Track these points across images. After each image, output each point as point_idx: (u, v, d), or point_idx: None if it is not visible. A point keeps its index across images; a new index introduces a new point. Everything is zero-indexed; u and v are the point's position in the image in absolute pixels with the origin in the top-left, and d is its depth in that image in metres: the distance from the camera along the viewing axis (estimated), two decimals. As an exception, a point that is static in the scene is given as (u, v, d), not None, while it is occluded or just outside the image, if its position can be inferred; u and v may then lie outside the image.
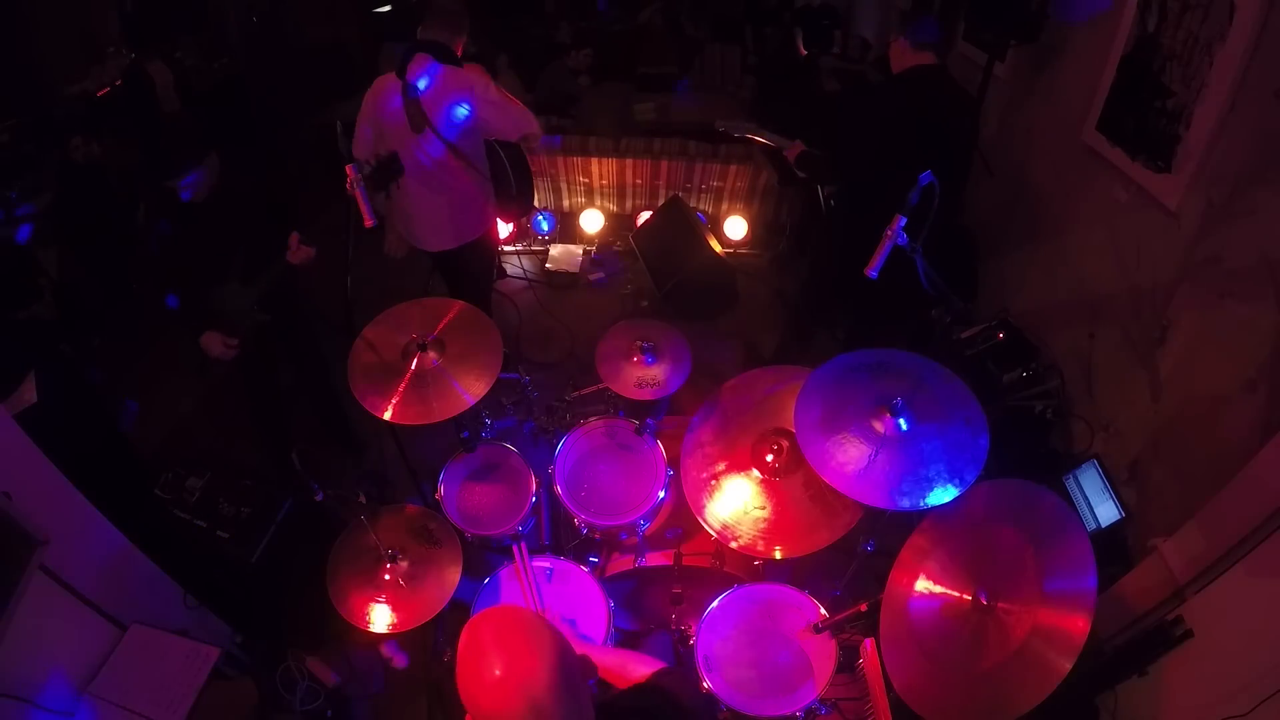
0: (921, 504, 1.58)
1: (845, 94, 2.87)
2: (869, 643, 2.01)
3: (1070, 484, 2.51)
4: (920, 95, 2.68)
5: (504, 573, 2.12)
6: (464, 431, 2.38)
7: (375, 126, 2.77)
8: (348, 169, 2.06)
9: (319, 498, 1.92)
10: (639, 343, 2.45)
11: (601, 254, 4.80)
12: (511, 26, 6.99)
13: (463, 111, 2.66)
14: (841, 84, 5.15)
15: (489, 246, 3.33)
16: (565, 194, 4.97)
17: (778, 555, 1.88)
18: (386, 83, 2.68)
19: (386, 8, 6.68)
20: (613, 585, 2.18)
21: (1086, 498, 2.45)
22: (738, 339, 4.12)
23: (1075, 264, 2.90)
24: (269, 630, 2.44)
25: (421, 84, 2.59)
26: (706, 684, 1.84)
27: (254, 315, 2.52)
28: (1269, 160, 1.97)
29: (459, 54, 2.71)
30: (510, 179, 3.05)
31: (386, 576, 1.90)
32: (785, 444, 1.94)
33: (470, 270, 3.26)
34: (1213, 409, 2.15)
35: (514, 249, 4.89)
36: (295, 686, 2.30)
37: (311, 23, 6.80)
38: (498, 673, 1.01)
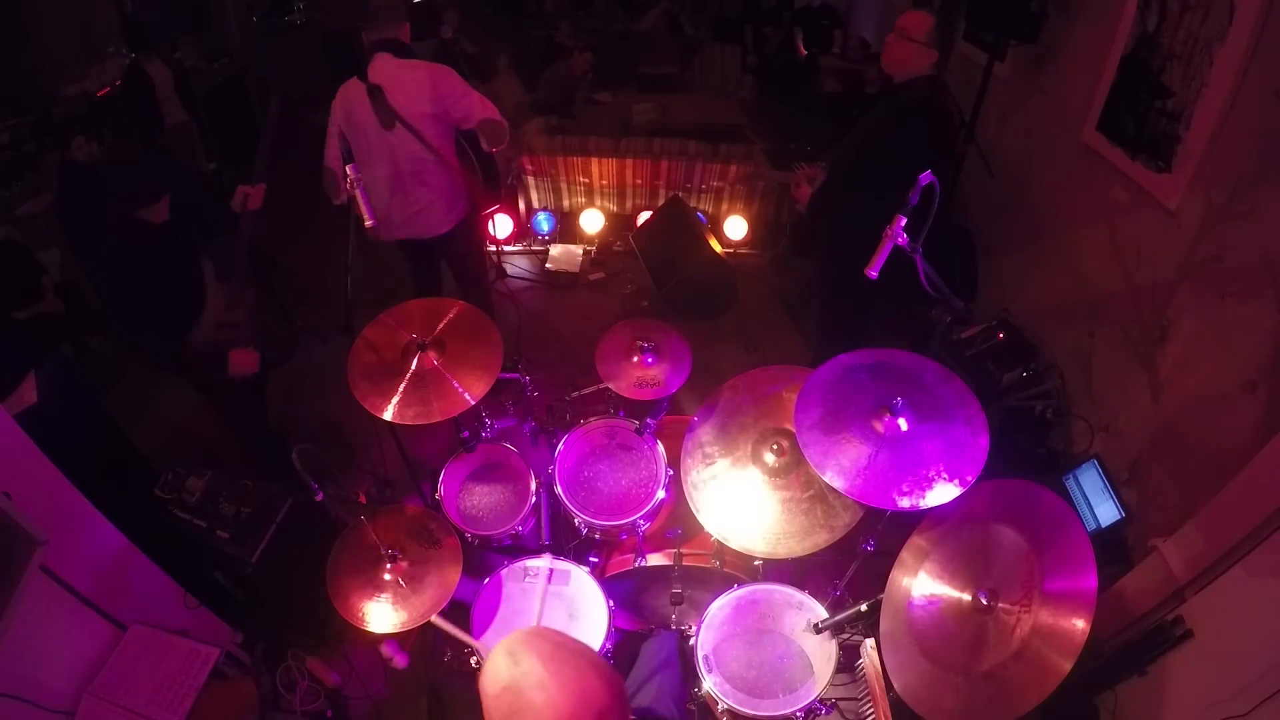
0: (921, 504, 1.58)
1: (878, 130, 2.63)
2: (869, 643, 2.01)
3: (1070, 484, 2.51)
4: (942, 120, 2.62)
5: (504, 573, 2.12)
6: (464, 431, 2.38)
7: (347, 133, 2.83)
8: (348, 169, 2.06)
9: (319, 498, 1.92)
10: (639, 343, 2.44)
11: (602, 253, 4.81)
12: (512, 27, 7.00)
13: (425, 101, 2.72)
14: (842, 85, 5.17)
15: (470, 238, 3.33)
16: (565, 194, 4.97)
17: (778, 555, 1.88)
18: (352, 89, 2.76)
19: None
20: (613, 585, 2.18)
21: (1086, 498, 2.46)
22: (738, 339, 4.13)
23: (1075, 264, 2.90)
24: (269, 630, 2.44)
25: (384, 81, 2.66)
26: (707, 684, 1.84)
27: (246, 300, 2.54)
28: (1269, 160, 1.97)
29: (408, 39, 2.79)
30: (475, 167, 3.09)
31: (386, 576, 1.90)
32: (785, 444, 1.95)
33: (458, 261, 3.29)
34: (1213, 409, 2.15)
35: (514, 249, 4.89)
36: (295, 686, 2.30)
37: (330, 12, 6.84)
38: (557, 697, 0.95)
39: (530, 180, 4.86)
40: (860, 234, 1.87)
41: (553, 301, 4.50)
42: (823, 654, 1.89)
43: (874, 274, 1.78)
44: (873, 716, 1.94)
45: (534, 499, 2.34)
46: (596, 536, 2.26)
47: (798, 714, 1.81)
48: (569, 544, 2.39)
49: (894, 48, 2.63)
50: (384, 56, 2.71)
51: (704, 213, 4.83)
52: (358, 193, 2.05)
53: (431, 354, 2.07)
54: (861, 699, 2.03)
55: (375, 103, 2.66)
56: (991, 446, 1.61)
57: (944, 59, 2.61)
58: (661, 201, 4.69)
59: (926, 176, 1.69)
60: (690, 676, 1.93)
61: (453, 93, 2.76)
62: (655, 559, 2.23)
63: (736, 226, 4.78)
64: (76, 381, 2.65)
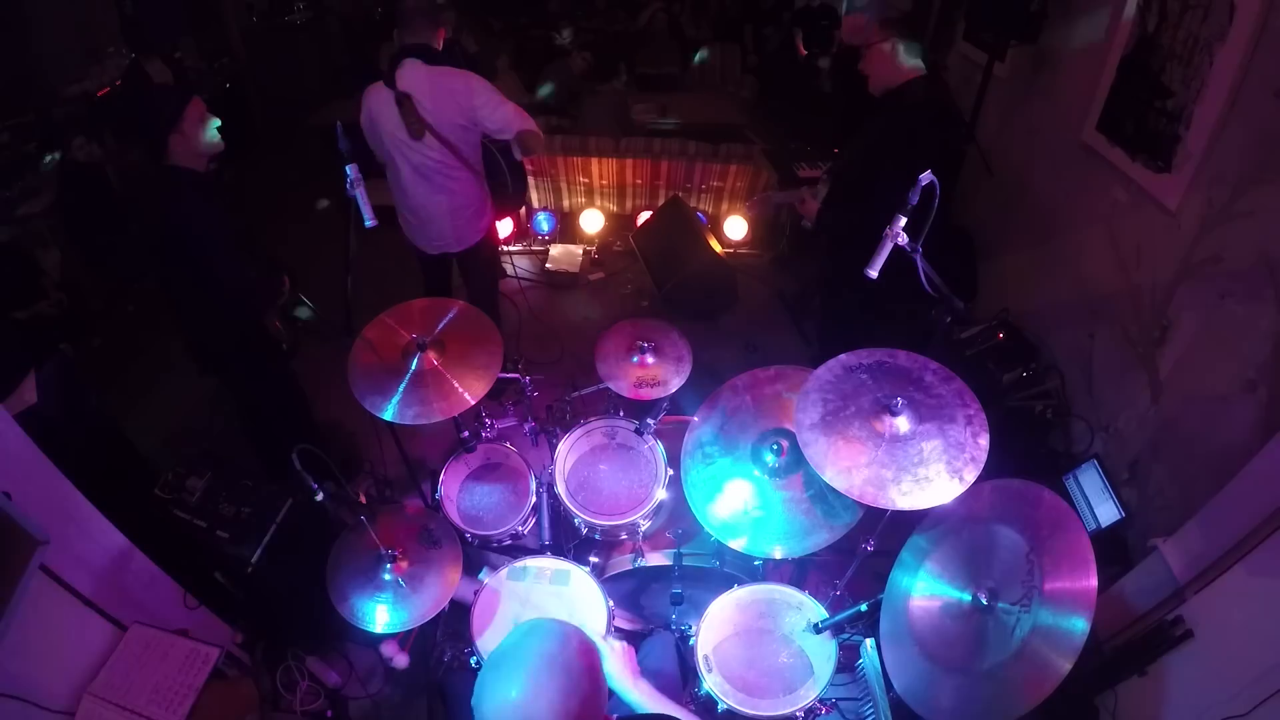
0: (921, 504, 1.58)
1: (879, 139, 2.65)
2: (869, 643, 2.01)
3: (1070, 484, 2.51)
4: (945, 120, 2.63)
5: (504, 573, 2.12)
6: (464, 431, 2.38)
7: (369, 135, 2.79)
8: (349, 169, 2.06)
9: (319, 498, 1.92)
10: (639, 343, 2.45)
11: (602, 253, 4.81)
12: (512, 26, 7.00)
13: (457, 112, 2.66)
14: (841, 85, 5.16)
15: (491, 247, 3.31)
16: (565, 194, 4.97)
17: (778, 555, 1.88)
18: (378, 92, 2.68)
19: (386, 8, 6.70)
20: (613, 585, 2.18)
21: (1086, 498, 2.45)
22: (738, 339, 4.13)
23: (1075, 264, 2.90)
24: (269, 630, 2.44)
25: (414, 89, 2.60)
26: (706, 684, 1.84)
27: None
28: (1269, 160, 1.97)
29: (441, 46, 2.71)
30: (505, 175, 3.06)
31: (386, 576, 1.90)
32: (785, 444, 1.94)
33: (476, 272, 3.26)
34: (1213, 409, 2.15)
35: (514, 249, 4.90)
36: (295, 686, 2.30)
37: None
38: (514, 695, 1.01)
39: (530, 180, 4.86)
40: (871, 239, 1.87)
41: (553, 301, 4.50)
42: (823, 654, 1.89)
43: (874, 274, 1.79)
44: (873, 716, 1.95)
45: (534, 499, 2.35)
46: (596, 536, 2.26)
47: (798, 714, 1.81)
48: (569, 544, 2.39)
49: (867, 64, 2.61)
50: (414, 63, 2.61)
51: (704, 213, 4.83)
52: (358, 193, 2.05)
53: (431, 354, 2.07)
54: (861, 699, 2.03)
55: (403, 111, 2.59)
56: (991, 446, 1.61)
57: (940, 55, 2.60)
58: (661, 201, 4.69)
59: (926, 176, 1.69)
60: (690, 676, 1.93)
61: (487, 104, 2.68)
62: (655, 559, 2.23)
63: (736, 226, 4.78)
64: (76, 381, 2.65)
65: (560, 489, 2.27)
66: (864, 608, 1.80)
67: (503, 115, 2.70)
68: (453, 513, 2.32)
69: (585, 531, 2.24)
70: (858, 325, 3.08)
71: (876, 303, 2.91)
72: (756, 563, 2.17)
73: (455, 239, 3.01)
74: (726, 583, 2.08)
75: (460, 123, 2.68)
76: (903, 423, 1.66)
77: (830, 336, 3.36)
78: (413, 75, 2.61)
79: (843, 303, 3.23)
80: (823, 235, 3.18)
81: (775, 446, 1.95)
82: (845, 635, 2.01)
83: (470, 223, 3.00)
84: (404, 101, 2.58)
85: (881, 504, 1.61)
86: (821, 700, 1.84)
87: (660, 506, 2.26)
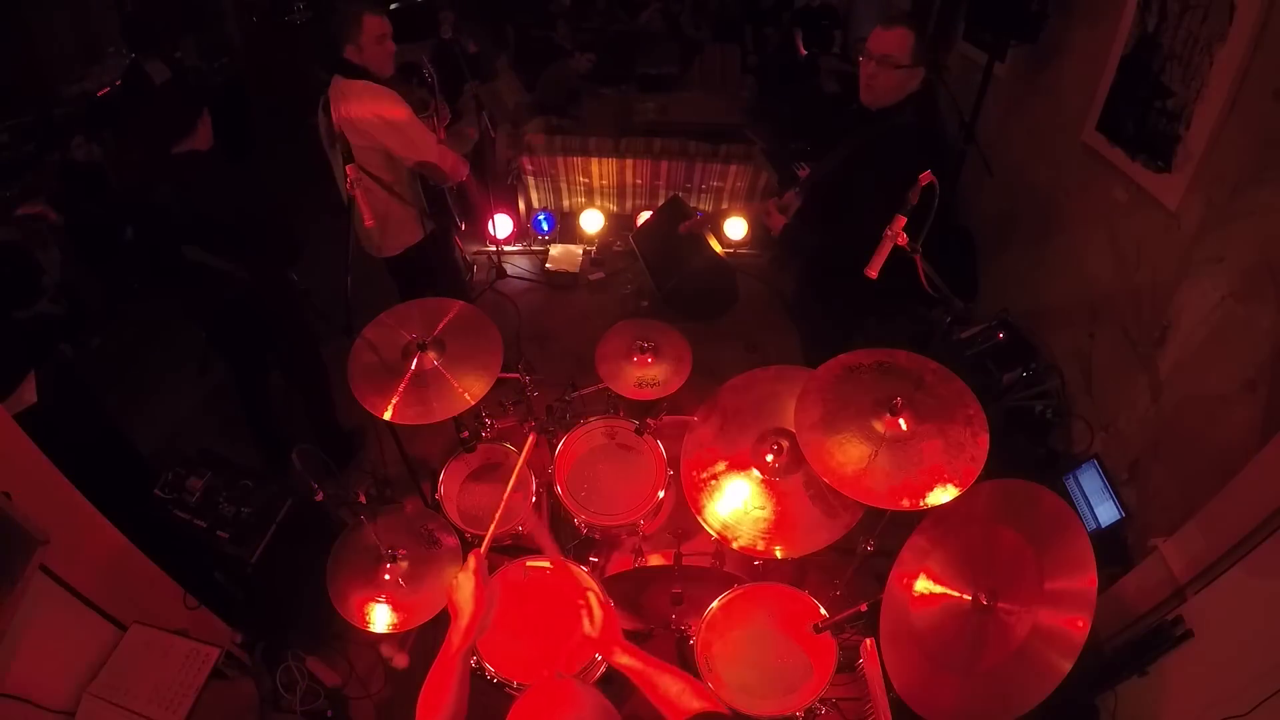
0: (921, 504, 1.58)
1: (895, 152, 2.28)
2: (869, 643, 2.01)
3: (1070, 484, 2.51)
4: (933, 145, 2.54)
5: (504, 572, 2.12)
6: (464, 431, 2.38)
7: None
8: (348, 169, 2.07)
9: (319, 498, 1.92)
10: (639, 343, 2.45)
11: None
12: (512, 26, 7.00)
13: (351, 130, 2.65)
14: (842, 85, 5.16)
15: (444, 263, 3.24)
16: (565, 194, 4.96)
17: (778, 555, 1.88)
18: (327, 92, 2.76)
19: (393, 6, 6.67)
20: (613, 585, 2.18)
21: (1086, 498, 2.45)
22: (738, 339, 4.13)
23: (1075, 264, 2.90)
24: (269, 630, 2.44)
25: (333, 99, 2.66)
26: (708, 684, 1.84)
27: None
28: (1269, 160, 1.97)
29: (358, 55, 2.66)
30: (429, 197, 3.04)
31: (386, 576, 1.90)
32: (785, 444, 1.95)
33: (428, 275, 3.22)
34: (1213, 409, 2.14)
35: (514, 249, 4.90)
36: (295, 686, 2.30)
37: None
38: None
39: (530, 180, 4.86)
40: (848, 258, 1.82)
41: (553, 301, 4.50)
42: (823, 654, 1.89)
43: (874, 274, 1.78)
44: (873, 717, 1.94)
45: (534, 499, 2.35)
46: (596, 536, 2.26)
47: (798, 714, 1.81)
48: (569, 544, 2.39)
49: (879, 79, 2.28)
50: (335, 76, 2.67)
51: (704, 213, 4.82)
52: (357, 193, 2.06)
53: (431, 354, 2.07)
54: (861, 699, 2.03)
55: (317, 121, 2.70)
56: (991, 446, 1.61)
57: (936, 69, 2.51)
58: (661, 201, 4.69)
59: (926, 176, 1.69)
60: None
61: (385, 130, 2.64)
62: (655, 559, 2.23)
63: (736, 226, 4.78)
64: (76, 381, 2.65)
65: (560, 489, 2.27)
66: (864, 608, 1.80)
67: (401, 144, 2.69)
68: (453, 513, 2.32)
69: (585, 531, 2.24)
70: (854, 326, 3.05)
71: (871, 303, 2.88)
72: (756, 563, 2.17)
73: (372, 245, 2.98)
74: (726, 583, 2.08)
75: (361, 139, 2.66)
76: (903, 423, 1.66)
77: (822, 338, 3.29)
78: (334, 87, 2.67)
79: (822, 316, 3.12)
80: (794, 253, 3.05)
81: (775, 446, 1.96)
82: (845, 635, 2.01)
83: (384, 238, 2.95)
84: (324, 108, 2.68)
85: (881, 504, 1.61)
86: (821, 700, 1.84)
87: (660, 506, 2.26)
